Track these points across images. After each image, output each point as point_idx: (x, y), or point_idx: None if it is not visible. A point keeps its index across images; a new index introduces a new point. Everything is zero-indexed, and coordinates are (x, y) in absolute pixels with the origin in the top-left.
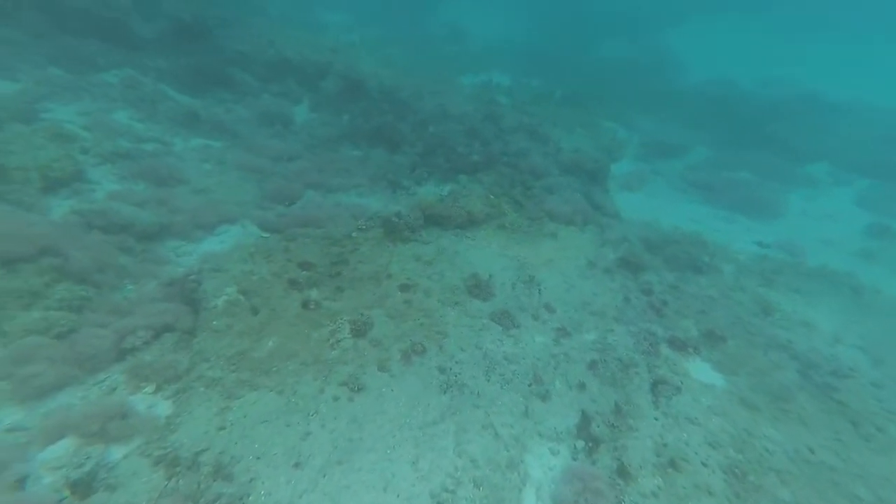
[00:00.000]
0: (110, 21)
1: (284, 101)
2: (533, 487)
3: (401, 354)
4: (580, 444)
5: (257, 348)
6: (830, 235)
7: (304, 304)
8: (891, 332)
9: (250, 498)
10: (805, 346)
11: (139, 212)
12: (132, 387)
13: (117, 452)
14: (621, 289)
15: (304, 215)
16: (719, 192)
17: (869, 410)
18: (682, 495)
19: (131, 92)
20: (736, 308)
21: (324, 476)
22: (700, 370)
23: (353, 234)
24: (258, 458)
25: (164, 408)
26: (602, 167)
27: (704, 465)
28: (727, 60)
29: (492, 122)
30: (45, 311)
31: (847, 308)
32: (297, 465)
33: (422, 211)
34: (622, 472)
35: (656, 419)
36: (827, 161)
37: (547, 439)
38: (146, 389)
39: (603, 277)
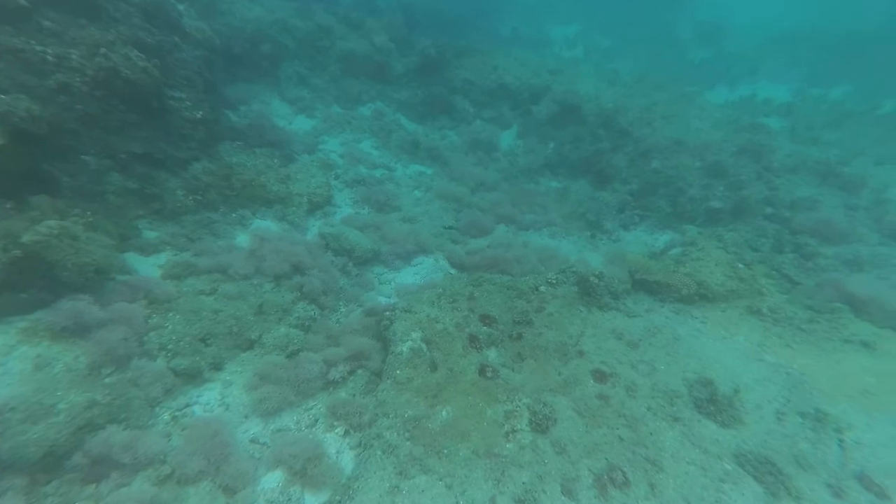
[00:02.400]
0: (377, 63)
1: (493, 128)
2: None
3: (593, 478)
4: None
5: (432, 417)
6: None
7: (481, 370)
8: None
9: None
10: None
11: (360, 237)
12: (328, 424)
13: (310, 502)
14: None
15: (492, 256)
16: None
17: None
18: None
19: (376, 122)
20: None
21: None
22: None
23: (541, 289)
24: None
25: (347, 459)
26: None
27: None
28: None
29: (751, 156)
30: (288, 328)
31: None
32: None
33: (630, 272)
34: None
35: None
36: None
37: None
38: (337, 430)
39: None
